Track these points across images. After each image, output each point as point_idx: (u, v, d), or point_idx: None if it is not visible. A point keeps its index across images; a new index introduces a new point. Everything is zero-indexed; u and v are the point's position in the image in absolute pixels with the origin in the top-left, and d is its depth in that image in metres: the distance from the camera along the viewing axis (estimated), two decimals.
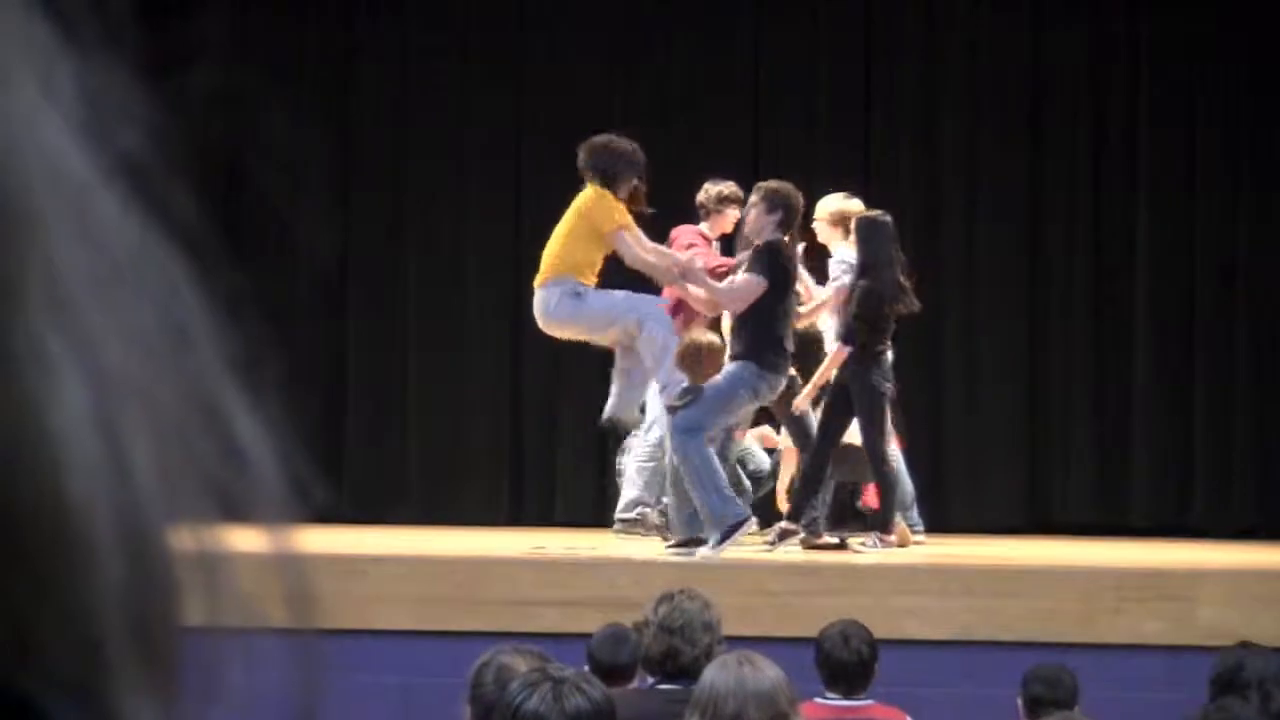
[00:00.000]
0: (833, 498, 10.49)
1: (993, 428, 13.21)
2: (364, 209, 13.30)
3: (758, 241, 9.72)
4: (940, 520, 12.05)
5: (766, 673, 4.77)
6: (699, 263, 9.86)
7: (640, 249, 9.62)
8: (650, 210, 9.77)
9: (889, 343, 10.13)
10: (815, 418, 10.28)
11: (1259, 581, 9.22)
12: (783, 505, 10.66)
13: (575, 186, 9.76)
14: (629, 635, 6.51)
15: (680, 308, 10.02)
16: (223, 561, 0.65)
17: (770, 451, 11.06)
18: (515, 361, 13.41)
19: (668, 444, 9.73)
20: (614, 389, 9.89)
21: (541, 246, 9.73)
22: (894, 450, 10.22)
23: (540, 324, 9.70)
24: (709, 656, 5.77)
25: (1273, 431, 13.05)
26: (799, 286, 10.14)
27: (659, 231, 10.10)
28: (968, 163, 13.38)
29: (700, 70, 13.35)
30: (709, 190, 10.69)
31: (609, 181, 9.57)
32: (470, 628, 8.49)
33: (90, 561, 0.62)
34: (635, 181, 9.66)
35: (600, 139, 9.74)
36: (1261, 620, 8.23)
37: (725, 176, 10.66)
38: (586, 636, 6.71)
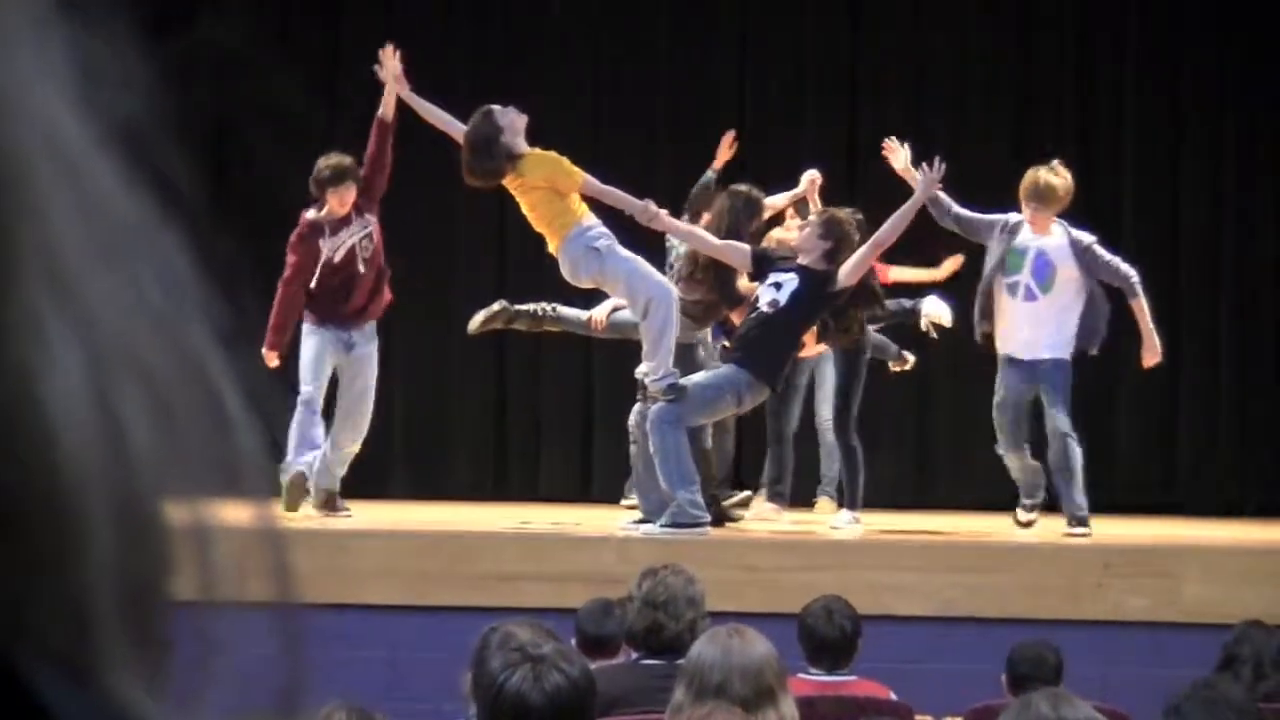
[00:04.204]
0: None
1: (978, 404, 13.19)
2: None
3: (805, 261, 9.68)
4: (925, 496, 12.06)
5: (755, 647, 4.76)
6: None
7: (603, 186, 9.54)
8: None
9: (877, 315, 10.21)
10: None
11: (1243, 558, 9.24)
12: None
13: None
14: (615, 607, 6.51)
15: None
16: (214, 536, 0.64)
17: None
18: (499, 336, 13.39)
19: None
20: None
21: (528, 222, 9.70)
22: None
23: (571, 281, 9.64)
24: (693, 632, 5.77)
25: (1257, 408, 13.06)
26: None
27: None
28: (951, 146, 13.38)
29: (685, 64, 13.29)
30: (321, 167, 10.49)
31: (515, 155, 9.40)
32: (456, 602, 8.49)
33: (83, 534, 0.61)
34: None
35: (478, 118, 9.56)
36: (1245, 597, 8.24)
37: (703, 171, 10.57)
38: (572, 612, 6.72)
